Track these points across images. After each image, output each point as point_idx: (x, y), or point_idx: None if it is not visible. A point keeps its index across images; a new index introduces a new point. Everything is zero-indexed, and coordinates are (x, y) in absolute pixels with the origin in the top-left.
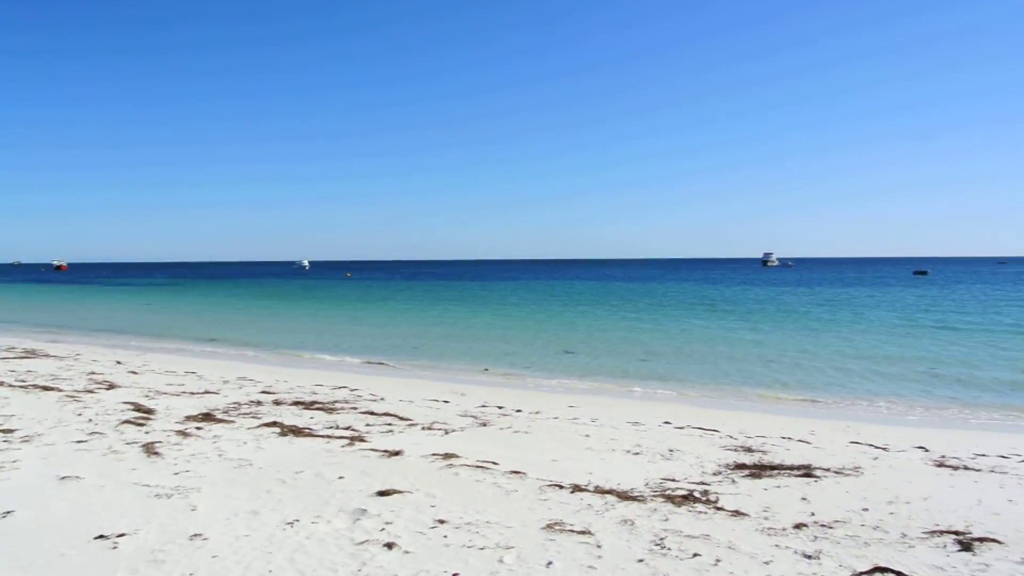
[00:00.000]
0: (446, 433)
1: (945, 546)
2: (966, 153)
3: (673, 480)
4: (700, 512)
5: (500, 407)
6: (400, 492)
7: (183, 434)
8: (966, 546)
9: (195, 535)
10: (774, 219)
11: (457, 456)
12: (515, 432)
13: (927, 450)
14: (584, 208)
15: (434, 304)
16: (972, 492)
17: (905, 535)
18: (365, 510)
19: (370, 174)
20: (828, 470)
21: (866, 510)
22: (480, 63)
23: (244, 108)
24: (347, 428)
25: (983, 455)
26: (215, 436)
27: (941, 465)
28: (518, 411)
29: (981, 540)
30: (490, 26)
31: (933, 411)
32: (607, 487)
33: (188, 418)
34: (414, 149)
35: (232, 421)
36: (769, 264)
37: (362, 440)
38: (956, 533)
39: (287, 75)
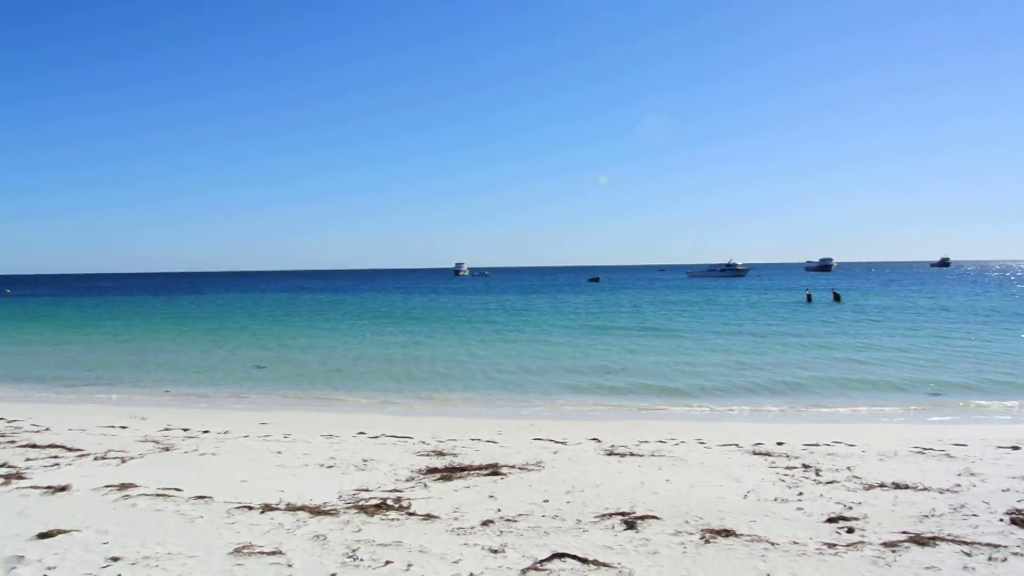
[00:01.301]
0: (123, 462)
1: (613, 527)
2: (635, 180)
3: (367, 490)
4: (393, 519)
5: (186, 429)
6: (66, 532)
7: None
8: (631, 524)
9: None
10: (475, 229)
11: (135, 486)
12: (202, 455)
13: (599, 441)
14: (272, 218)
15: (110, 320)
16: (636, 475)
17: (580, 521)
18: (22, 556)
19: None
20: (514, 467)
21: (547, 501)
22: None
23: None
24: (2, 465)
25: (645, 442)
26: None
27: (611, 454)
28: (205, 432)
29: (643, 518)
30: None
31: (603, 405)
32: (299, 504)
33: None
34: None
35: None
36: (460, 273)
37: (20, 477)
38: (623, 514)
39: None
